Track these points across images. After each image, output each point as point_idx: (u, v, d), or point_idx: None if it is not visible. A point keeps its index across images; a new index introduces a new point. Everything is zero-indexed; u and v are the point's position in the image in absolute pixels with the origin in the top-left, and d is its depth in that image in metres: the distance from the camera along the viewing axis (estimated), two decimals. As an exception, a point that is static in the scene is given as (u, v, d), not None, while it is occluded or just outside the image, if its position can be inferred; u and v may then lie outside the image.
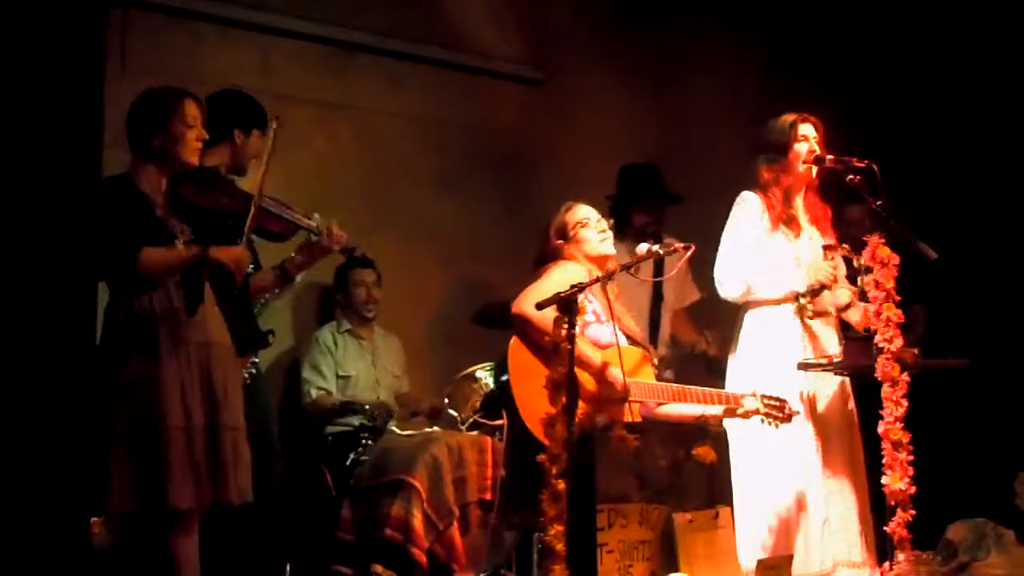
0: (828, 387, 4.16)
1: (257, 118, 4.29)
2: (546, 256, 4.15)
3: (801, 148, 4.21)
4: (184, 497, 3.44)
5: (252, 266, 3.97)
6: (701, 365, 5.28)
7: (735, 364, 4.25)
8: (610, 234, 4.14)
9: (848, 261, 4.15)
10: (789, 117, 4.26)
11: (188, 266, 3.53)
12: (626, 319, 4.14)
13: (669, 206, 5.49)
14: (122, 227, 3.48)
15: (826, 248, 4.12)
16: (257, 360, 4.23)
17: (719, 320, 5.18)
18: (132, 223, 3.51)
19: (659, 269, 4.87)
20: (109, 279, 3.62)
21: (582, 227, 4.09)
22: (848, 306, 4.15)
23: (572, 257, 4.07)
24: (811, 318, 4.13)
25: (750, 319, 4.23)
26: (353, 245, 4.06)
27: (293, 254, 4.13)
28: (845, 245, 4.13)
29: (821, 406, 4.14)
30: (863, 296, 4.01)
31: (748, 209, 4.23)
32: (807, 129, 4.23)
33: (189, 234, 3.61)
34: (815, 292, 4.08)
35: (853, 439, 4.17)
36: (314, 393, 5.08)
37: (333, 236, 3.98)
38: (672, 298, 5.45)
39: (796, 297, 4.11)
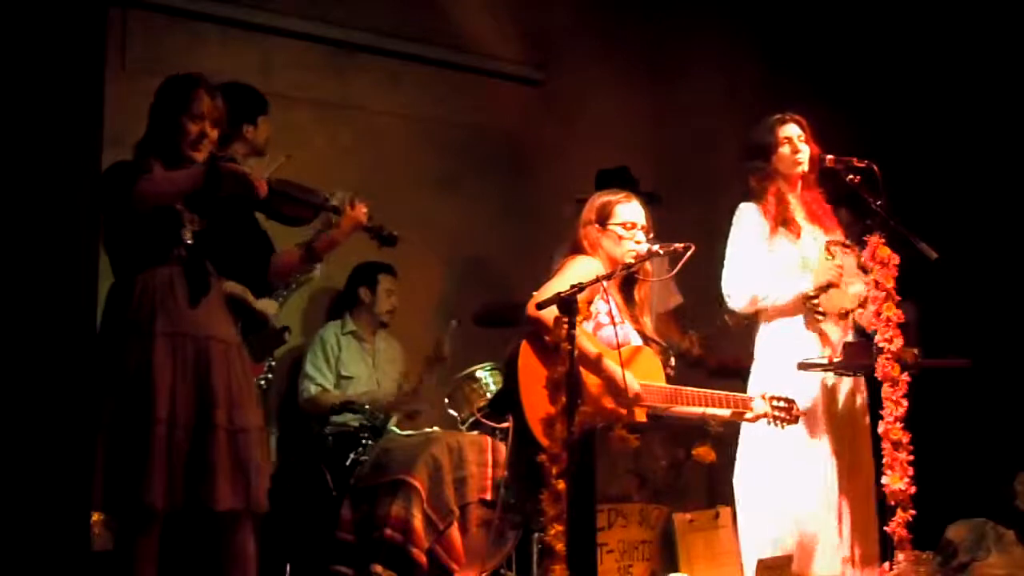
0: (842, 390, 4.15)
1: (257, 105, 4.41)
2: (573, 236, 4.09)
3: (785, 150, 4.20)
4: (158, 495, 3.32)
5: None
6: (684, 364, 5.26)
7: (755, 374, 4.24)
8: (639, 248, 3.97)
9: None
10: (770, 120, 4.24)
11: (199, 182, 3.43)
12: (645, 320, 4.12)
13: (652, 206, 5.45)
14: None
15: (829, 244, 4.12)
16: (273, 363, 4.22)
17: (700, 324, 5.20)
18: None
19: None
20: (113, 211, 3.51)
21: (624, 228, 3.99)
22: (854, 309, 4.13)
23: (593, 247, 4.01)
24: (822, 318, 4.10)
25: (765, 330, 4.23)
26: (380, 225, 3.85)
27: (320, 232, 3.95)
28: (850, 243, 4.13)
29: (834, 409, 4.13)
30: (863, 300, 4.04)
31: (747, 219, 4.22)
32: (789, 130, 4.21)
33: (199, 223, 3.55)
34: (823, 290, 4.07)
35: (859, 439, 4.15)
36: (313, 390, 5.08)
37: (356, 209, 3.76)
38: (654, 302, 5.43)
39: (805, 299, 4.10)
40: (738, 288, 4.18)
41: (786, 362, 4.11)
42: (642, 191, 5.40)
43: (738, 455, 4.18)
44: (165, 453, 3.35)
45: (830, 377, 4.12)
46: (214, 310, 3.55)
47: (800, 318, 4.14)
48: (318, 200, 3.76)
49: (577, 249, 4.04)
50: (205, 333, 3.49)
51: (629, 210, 4.03)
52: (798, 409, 3.97)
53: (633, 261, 3.93)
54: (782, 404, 3.95)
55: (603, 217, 4.03)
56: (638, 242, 3.98)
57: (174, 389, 3.40)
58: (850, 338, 4.16)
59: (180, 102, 3.56)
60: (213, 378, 3.46)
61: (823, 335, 4.13)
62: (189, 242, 3.51)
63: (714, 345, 5.39)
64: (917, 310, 4.69)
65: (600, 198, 4.09)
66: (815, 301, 4.07)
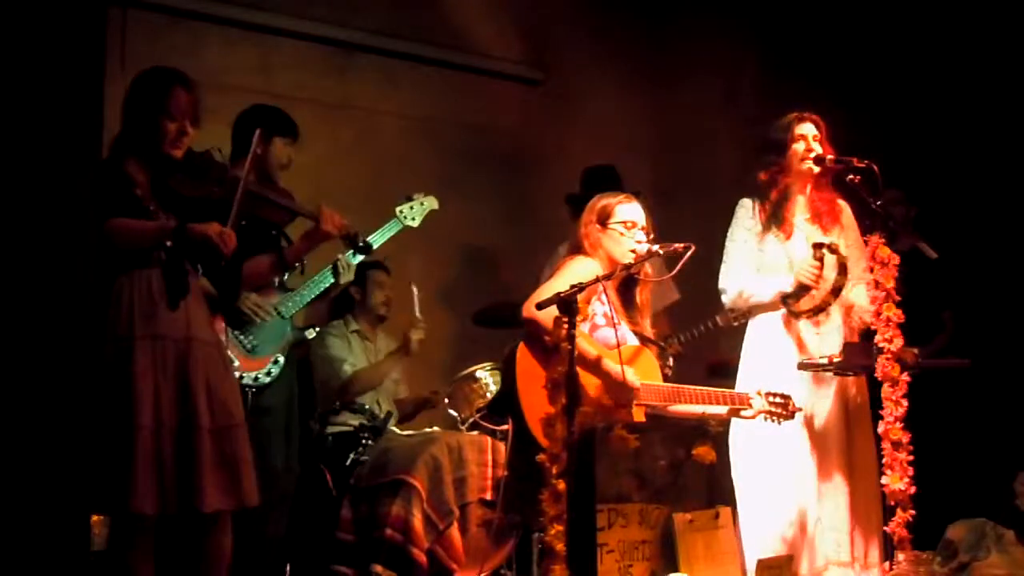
0: (827, 387, 4.16)
1: (278, 126, 4.35)
2: (573, 235, 4.10)
3: (799, 148, 4.21)
4: (147, 503, 3.28)
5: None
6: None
7: (743, 369, 4.26)
8: (639, 248, 3.99)
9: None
10: (788, 117, 4.26)
11: (164, 238, 3.40)
12: (645, 323, 4.13)
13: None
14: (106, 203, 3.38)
15: (815, 247, 4.12)
16: (280, 358, 4.25)
17: (696, 321, 5.19)
18: (113, 203, 3.40)
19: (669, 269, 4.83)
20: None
21: (624, 227, 4.02)
22: (824, 302, 4.12)
23: (594, 247, 4.03)
24: (798, 318, 4.12)
25: (754, 325, 4.25)
26: (355, 232, 3.91)
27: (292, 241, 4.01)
28: (834, 243, 4.12)
29: (820, 407, 4.14)
30: (837, 293, 4.03)
31: (743, 216, 4.26)
32: (805, 128, 4.23)
33: (176, 224, 3.46)
34: (798, 293, 4.08)
35: (857, 439, 4.15)
36: (348, 369, 5.05)
37: (329, 220, 3.83)
38: (653, 300, 5.44)
39: (783, 298, 4.12)
40: (728, 284, 4.22)
41: (769, 358, 4.14)
42: (627, 191, 5.42)
43: (732, 453, 4.19)
44: (152, 459, 3.31)
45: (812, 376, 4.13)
46: (194, 310, 3.50)
47: (781, 316, 4.16)
48: (293, 205, 3.79)
49: (577, 249, 4.06)
50: (185, 335, 3.45)
51: (629, 210, 4.07)
52: (794, 405, 3.98)
53: (632, 261, 3.94)
54: (778, 400, 3.96)
55: (603, 217, 4.06)
56: (638, 241, 4.01)
57: (157, 393, 3.36)
58: (825, 332, 4.18)
59: (157, 99, 3.48)
60: (194, 380, 3.41)
61: (808, 332, 4.14)
62: (168, 243, 3.45)
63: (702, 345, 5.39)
64: (952, 319, 4.66)
65: (600, 199, 4.12)
66: (792, 301, 4.09)
